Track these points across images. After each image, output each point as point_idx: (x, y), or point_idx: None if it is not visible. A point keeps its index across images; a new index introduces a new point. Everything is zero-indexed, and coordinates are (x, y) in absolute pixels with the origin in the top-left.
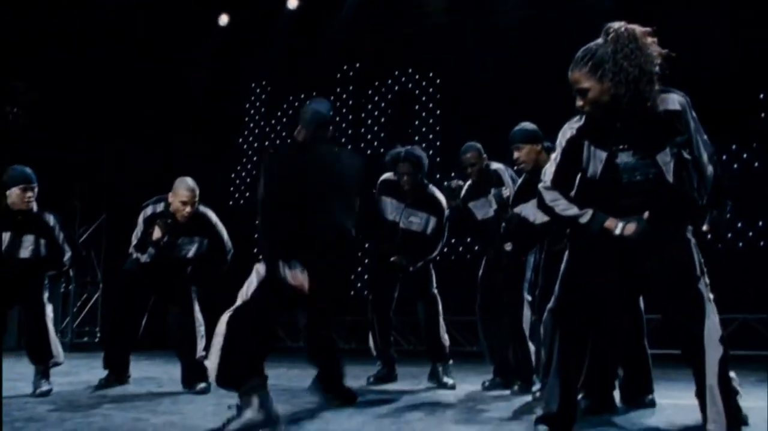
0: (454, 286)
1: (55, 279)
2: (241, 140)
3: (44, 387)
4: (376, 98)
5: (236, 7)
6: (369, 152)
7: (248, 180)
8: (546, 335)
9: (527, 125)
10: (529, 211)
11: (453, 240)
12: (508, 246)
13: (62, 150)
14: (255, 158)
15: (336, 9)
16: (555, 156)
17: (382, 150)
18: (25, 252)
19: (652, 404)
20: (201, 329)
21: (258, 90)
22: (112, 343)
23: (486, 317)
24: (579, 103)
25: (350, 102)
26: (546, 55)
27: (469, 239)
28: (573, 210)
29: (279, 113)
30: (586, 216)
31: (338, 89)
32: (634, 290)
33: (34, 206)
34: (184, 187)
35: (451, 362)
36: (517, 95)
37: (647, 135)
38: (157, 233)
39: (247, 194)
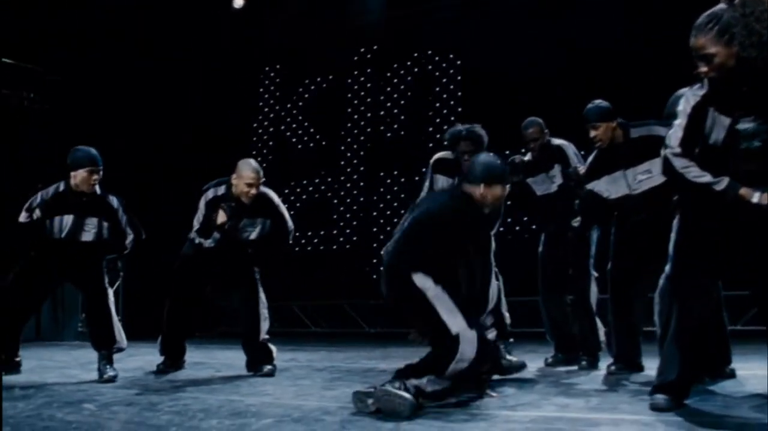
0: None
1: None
2: (255, 124)
3: (110, 373)
4: (395, 81)
5: None
6: (389, 134)
7: (264, 165)
8: (663, 302)
9: (601, 102)
10: (602, 187)
11: (509, 219)
12: (576, 222)
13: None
14: (270, 143)
15: None
16: (680, 122)
17: (402, 133)
18: (87, 235)
19: (732, 374)
20: (265, 311)
21: (272, 74)
22: (171, 329)
23: (548, 292)
24: (703, 69)
25: (368, 85)
26: (568, 36)
27: (525, 218)
28: (707, 177)
29: (294, 97)
30: (722, 184)
31: (355, 72)
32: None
33: (98, 189)
34: (249, 168)
35: (512, 340)
36: (538, 77)
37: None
38: (221, 217)
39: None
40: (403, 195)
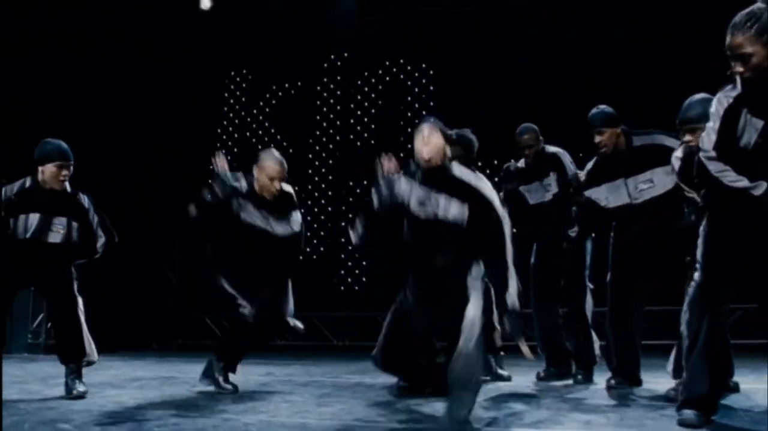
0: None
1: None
2: (219, 130)
3: (80, 388)
4: (366, 89)
5: None
6: (359, 143)
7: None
8: (692, 312)
9: (606, 108)
10: (602, 194)
11: None
12: (573, 231)
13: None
14: (235, 150)
15: None
16: (712, 125)
17: (372, 143)
18: (55, 236)
19: (736, 388)
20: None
21: (238, 79)
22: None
23: (541, 302)
24: (739, 68)
25: (338, 92)
26: (544, 44)
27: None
28: (744, 182)
29: (261, 103)
30: (760, 189)
31: (325, 79)
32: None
33: (68, 186)
34: (273, 160)
35: (503, 353)
36: (510, 87)
37: None
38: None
39: None
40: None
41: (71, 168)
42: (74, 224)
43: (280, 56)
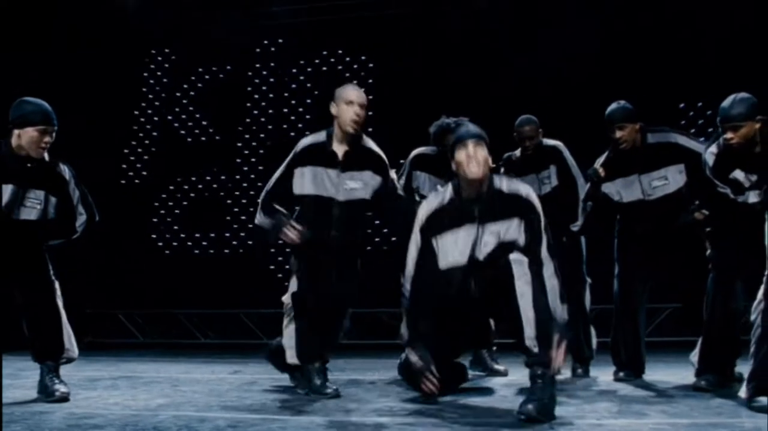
0: None
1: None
2: (137, 112)
3: (62, 389)
4: (302, 78)
5: None
6: (292, 134)
7: (145, 157)
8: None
9: (625, 103)
10: (614, 189)
11: None
12: (576, 226)
13: None
14: (155, 133)
15: None
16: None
17: (307, 133)
18: (29, 212)
19: (741, 378)
20: None
21: (160, 58)
22: None
23: None
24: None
25: (271, 80)
26: (481, 49)
27: None
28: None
29: (185, 85)
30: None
31: (257, 65)
32: None
33: (46, 155)
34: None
35: (495, 347)
36: (451, 85)
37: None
38: None
39: (144, 172)
40: None
41: (54, 134)
42: (52, 199)
43: (208, 37)
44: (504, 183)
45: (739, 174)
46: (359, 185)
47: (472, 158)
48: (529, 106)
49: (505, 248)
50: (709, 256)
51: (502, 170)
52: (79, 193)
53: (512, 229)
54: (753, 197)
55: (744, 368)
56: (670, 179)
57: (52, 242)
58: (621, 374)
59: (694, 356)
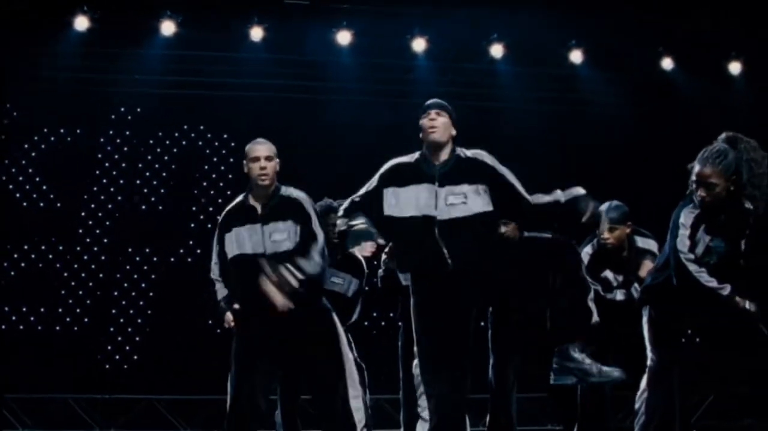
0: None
1: None
2: None
3: None
4: (158, 150)
5: None
6: (143, 207)
7: None
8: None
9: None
10: None
11: None
12: None
13: None
14: None
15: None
16: (684, 233)
17: (160, 208)
18: None
19: None
20: None
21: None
22: None
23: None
24: (702, 193)
25: (125, 148)
26: (337, 130)
27: None
28: (714, 283)
29: (26, 145)
30: (726, 290)
31: (111, 131)
32: None
33: None
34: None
35: None
36: (313, 173)
37: (737, 225)
38: None
39: None
40: (153, 276)
41: None
42: None
43: (58, 99)
44: (466, 151)
45: (608, 274)
46: (283, 236)
47: (435, 123)
48: None
49: (472, 214)
50: None
51: (384, 257)
52: None
53: (478, 194)
54: (620, 295)
55: None
56: None
57: None
58: None
59: None
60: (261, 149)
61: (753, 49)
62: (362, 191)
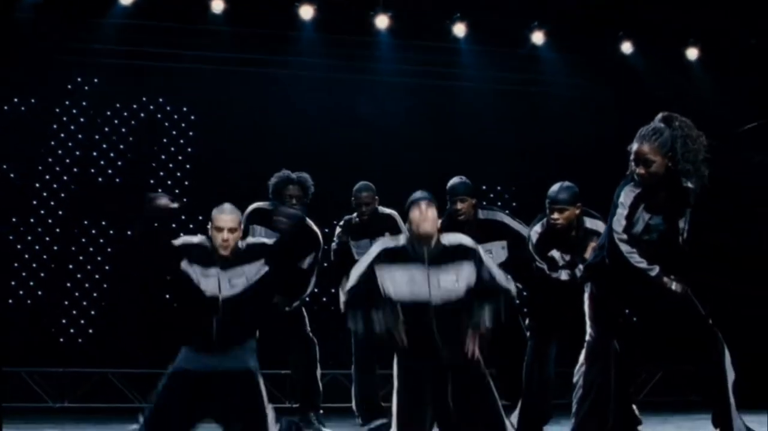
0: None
1: None
2: None
3: None
4: (116, 122)
5: None
6: (100, 179)
7: None
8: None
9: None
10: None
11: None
12: None
13: None
14: None
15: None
16: (622, 212)
17: (117, 180)
18: None
19: None
20: None
21: None
22: None
23: None
24: (641, 171)
25: (81, 119)
26: (303, 110)
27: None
28: (644, 264)
29: None
30: (654, 271)
31: (67, 102)
32: None
33: None
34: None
35: (321, 411)
36: (272, 148)
37: (676, 204)
38: None
39: None
40: (110, 249)
41: None
42: None
43: (12, 67)
44: (447, 238)
45: (555, 253)
46: (242, 280)
47: (425, 217)
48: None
49: (460, 292)
50: (527, 326)
51: (339, 230)
52: None
53: (464, 272)
54: (564, 275)
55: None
56: (495, 254)
57: None
58: None
59: (514, 417)
60: (226, 219)
61: (709, 35)
62: None
